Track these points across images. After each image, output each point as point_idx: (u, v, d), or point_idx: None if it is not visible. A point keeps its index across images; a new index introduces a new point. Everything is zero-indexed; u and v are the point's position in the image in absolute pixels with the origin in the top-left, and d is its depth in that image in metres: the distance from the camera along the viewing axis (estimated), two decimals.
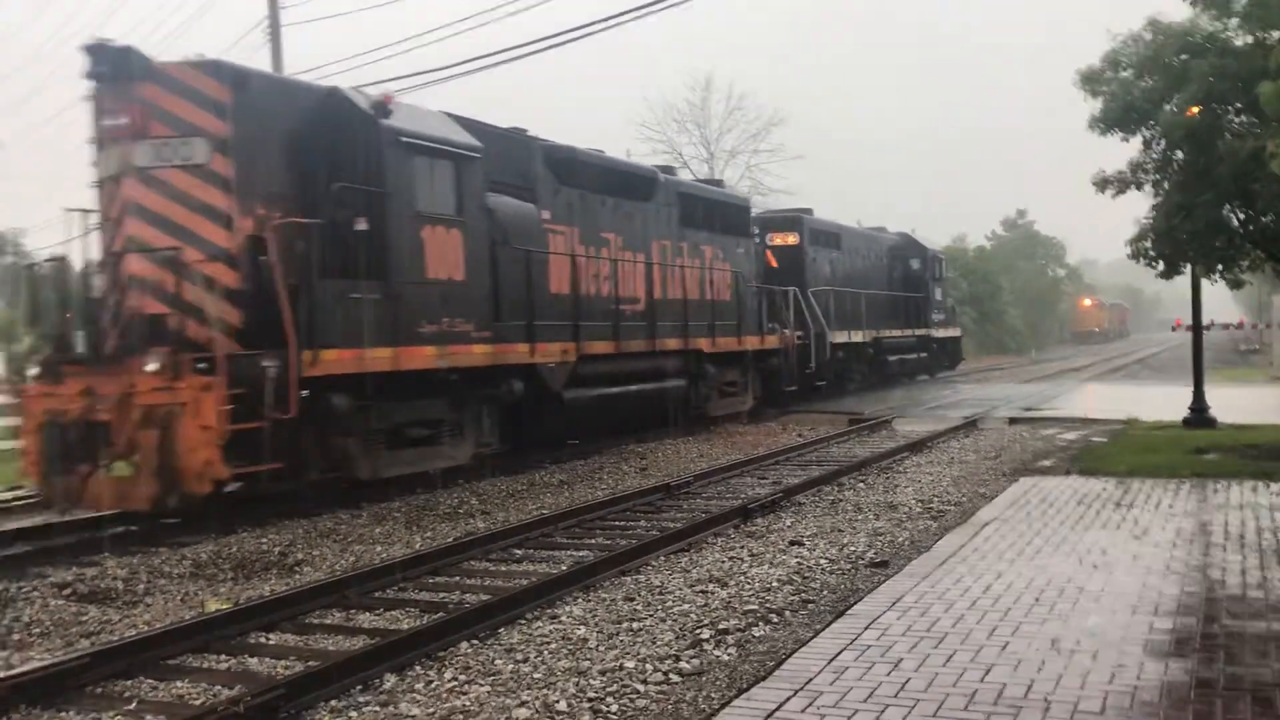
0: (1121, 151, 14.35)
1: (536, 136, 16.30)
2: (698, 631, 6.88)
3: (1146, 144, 14.03)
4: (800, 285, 25.45)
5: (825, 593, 7.79)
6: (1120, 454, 14.41)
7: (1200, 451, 14.22)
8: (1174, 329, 35.88)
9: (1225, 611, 6.68)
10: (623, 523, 11.23)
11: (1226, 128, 13.16)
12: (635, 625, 7.11)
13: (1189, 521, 9.64)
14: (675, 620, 7.19)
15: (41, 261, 12.54)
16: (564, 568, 8.80)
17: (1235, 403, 20.08)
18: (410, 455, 13.12)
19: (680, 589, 8.07)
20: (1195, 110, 12.88)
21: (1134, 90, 13.64)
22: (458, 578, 8.89)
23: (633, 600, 7.79)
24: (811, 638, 6.45)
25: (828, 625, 6.71)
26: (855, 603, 7.22)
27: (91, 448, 10.65)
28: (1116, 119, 13.82)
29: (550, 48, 24.07)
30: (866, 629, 6.53)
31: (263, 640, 7.22)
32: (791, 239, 26.45)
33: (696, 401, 20.14)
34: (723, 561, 9.01)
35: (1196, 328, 18.46)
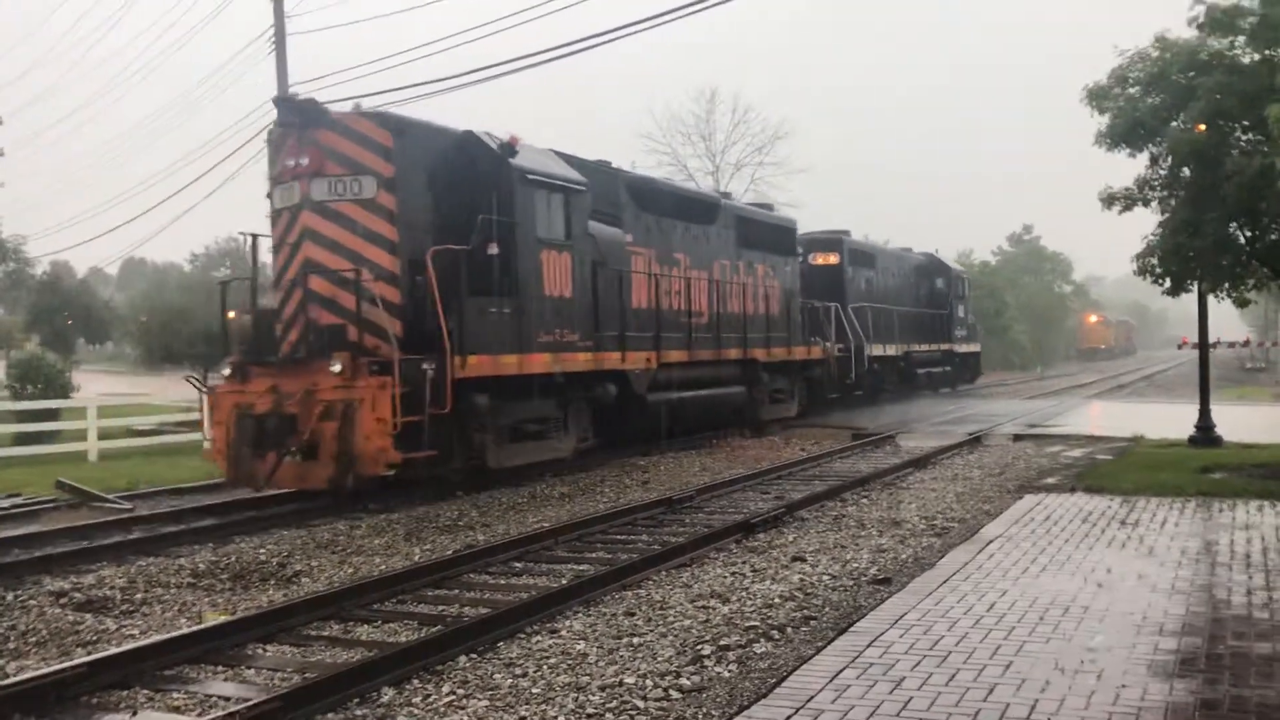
0: (1128, 168, 14.33)
1: (620, 168, 18.57)
2: (698, 647, 6.82)
3: (1153, 160, 13.98)
4: (840, 301, 27.48)
5: (828, 609, 7.73)
6: (1125, 472, 14.33)
7: (1206, 470, 14.14)
8: (1180, 346, 37.13)
9: (1230, 632, 6.61)
10: (624, 536, 11.17)
11: (1233, 145, 13.12)
12: (635, 640, 7.05)
13: (1194, 541, 9.57)
14: (676, 636, 7.13)
15: (230, 279, 14.78)
16: (564, 581, 8.75)
17: (1241, 421, 20.00)
18: (528, 448, 15.06)
19: (681, 604, 8.01)
20: (1202, 127, 12.84)
21: (1141, 107, 13.60)
22: (457, 590, 8.84)
23: (633, 615, 7.73)
24: (813, 655, 6.39)
25: (830, 642, 6.64)
26: (858, 620, 7.15)
27: (279, 436, 12.59)
28: (1123, 135, 13.78)
29: (556, 59, 24.10)
30: (869, 646, 6.46)
31: (260, 651, 7.17)
32: (833, 258, 28.37)
33: (752, 406, 22.11)
34: (724, 577, 8.95)
35: (1203, 345, 18.38)
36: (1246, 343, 43.55)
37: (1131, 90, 13.82)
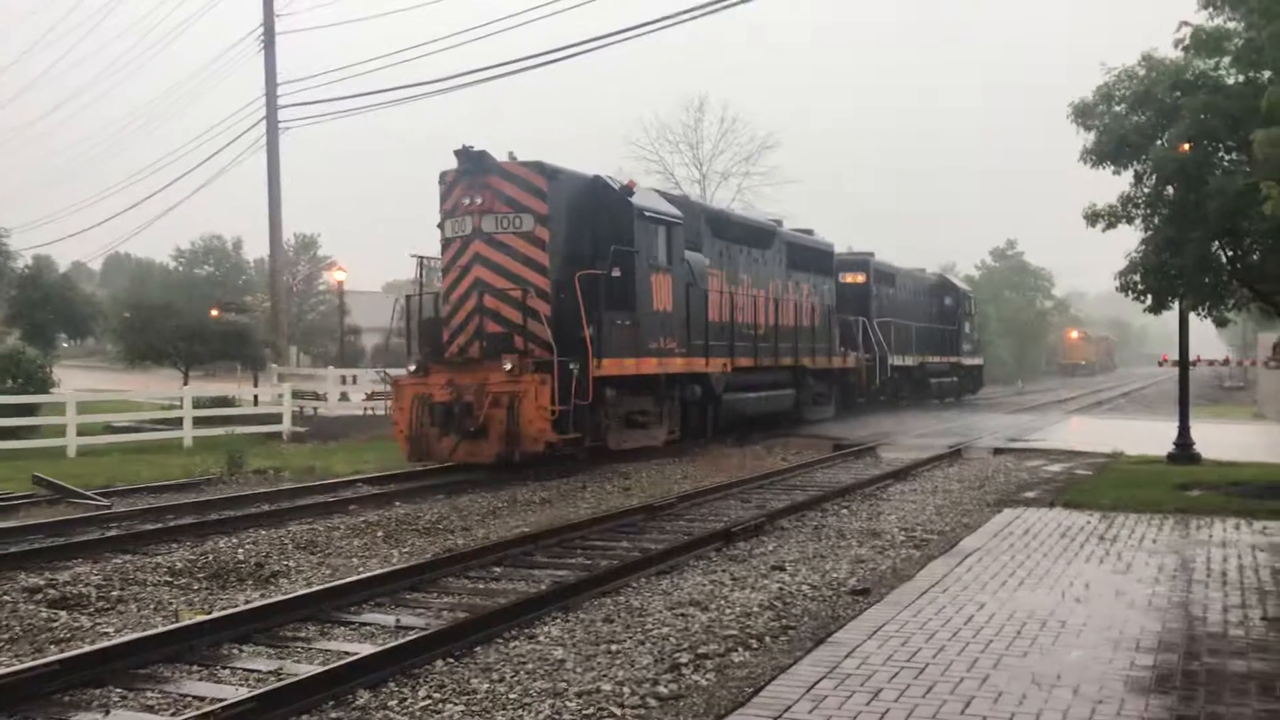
0: (1112, 185, 14.38)
1: (699, 201, 22.90)
2: (676, 656, 6.81)
3: (1137, 178, 14.04)
4: (866, 316, 30.29)
5: (806, 619, 7.73)
6: (1104, 488, 14.39)
7: (1184, 487, 14.21)
8: (1160, 364, 37.86)
9: (1206, 649, 6.64)
10: (604, 543, 11.15)
11: (1217, 165, 13.21)
12: (614, 647, 7.03)
13: (1172, 557, 9.61)
14: (654, 643, 7.12)
15: (413, 295, 18.24)
16: (543, 587, 8.73)
17: (1219, 439, 20.12)
18: (635, 435, 18.30)
19: (660, 612, 8.00)
20: (1187, 146, 12.93)
21: (1126, 125, 13.67)
22: (435, 594, 8.81)
23: (612, 622, 7.71)
24: (791, 665, 6.39)
25: (808, 652, 6.64)
26: (836, 630, 7.16)
27: (457, 420, 15.84)
28: (1108, 152, 13.85)
29: (541, 65, 24.11)
30: (847, 657, 6.47)
31: (236, 652, 7.13)
32: (860, 277, 30.99)
33: (798, 407, 25.35)
34: (704, 585, 8.95)
35: (1183, 363, 18.48)
36: (1226, 361, 43.93)
37: (1117, 108, 13.89)
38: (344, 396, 31.09)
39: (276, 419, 24.64)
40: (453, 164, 17.02)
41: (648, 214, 18.02)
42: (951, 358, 38.98)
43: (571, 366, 15.92)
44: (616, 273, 17.07)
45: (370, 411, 29.60)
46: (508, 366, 15.77)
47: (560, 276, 16.68)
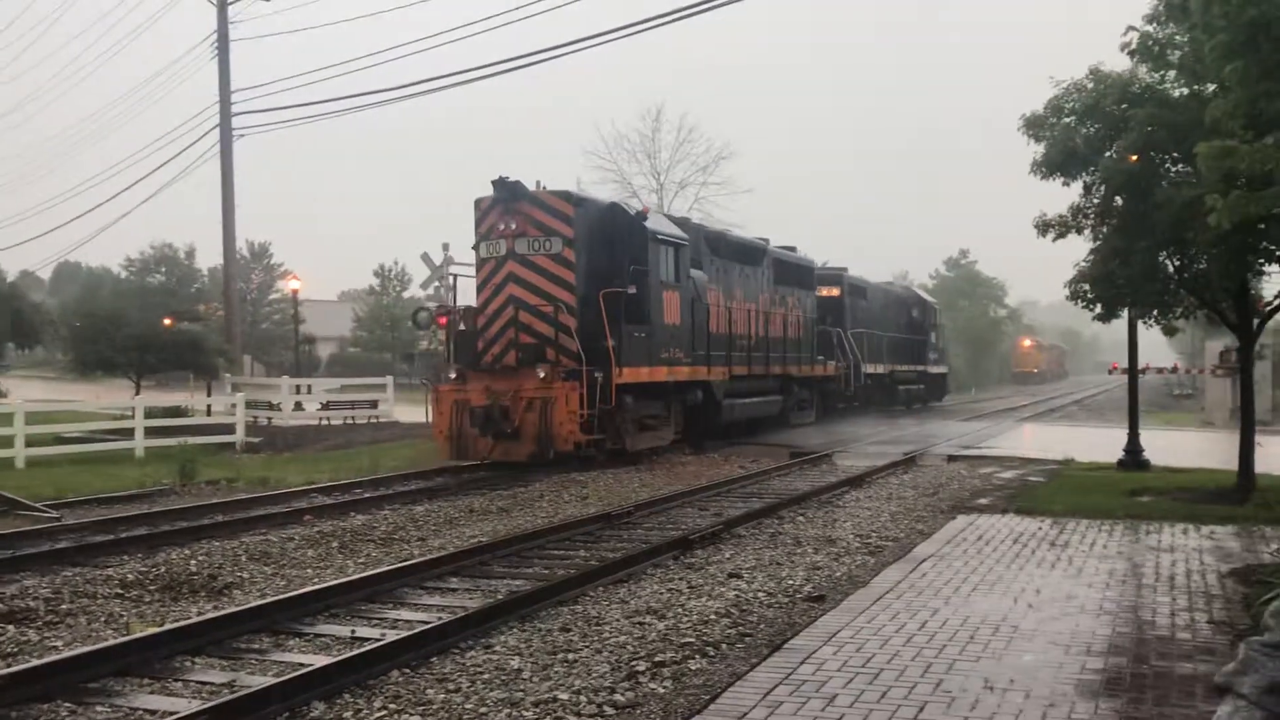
0: (1063, 195, 14.60)
1: (700, 224, 24.60)
2: (633, 664, 6.82)
3: (1087, 189, 14.25)
4: (842, 327, 31.94)
5: (762, 626, 7.77)
6: (1056, 494, 14.58)
7: (1134, 493, 14.43)
8: (1110, 371, 39.13)
9: (1155, 652, 6.75)
10: (561, 552, 11.14)
11: (1164, 176, 13.43)
12: (570, 656, 7.03)
13: (1122, 563, 9.76)
14: (611, 652, 7.13)
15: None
16: (499, 597, 8.71)
17: (1168, 446, 20.44)
18: (647, 436, 20.18)
19: (617, 620, 8.01)
20: (1134, 158, 13.14)
21: (1076, 136, 13.87)
22: (391, 605, 8.76)
23: (569, 631, 7.71)
24: (747, 671, 6.42)
25: (764, 659, 6.68)
26: (792, 637, 7.20)
27: (494, 423, 17.60)
28: (1058, 164, 14.05)
29: (503, 72, 24.04)
30: (802, 664, 6.51)
31: (189, 664, 7.05)
32: (835, 291, 32.49)
33: (784, 412, 27.24)
34: (661, 593, 8.96)
35: (1132, 371, 18.77)
36: (1175, 369, 44.64)
37: (1067, 120, 14.10)
38: (298, 406, 30.83)
39: (230, 429, 24.39)
40: (482, 191, 19.14)
41: (659, 236, 20.05)
42: (919, 366, 41.02)
43: (596, 374, 17.85)
44: (633, 290, 18.91)
45: (325, 422, 29.39)
46: (541, 374, 17.66)
47: (584, 293, 18.61)
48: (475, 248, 19.40)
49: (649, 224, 19.80)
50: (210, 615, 8.01)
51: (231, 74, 34.05)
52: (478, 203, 19.35)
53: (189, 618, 8.09)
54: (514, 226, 18.65)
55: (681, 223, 22.31)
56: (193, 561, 10.30)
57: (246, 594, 9.22)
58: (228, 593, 9.31)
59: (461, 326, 19.48)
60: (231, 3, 34.31)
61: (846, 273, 34.31)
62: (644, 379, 19.35)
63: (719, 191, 51.95)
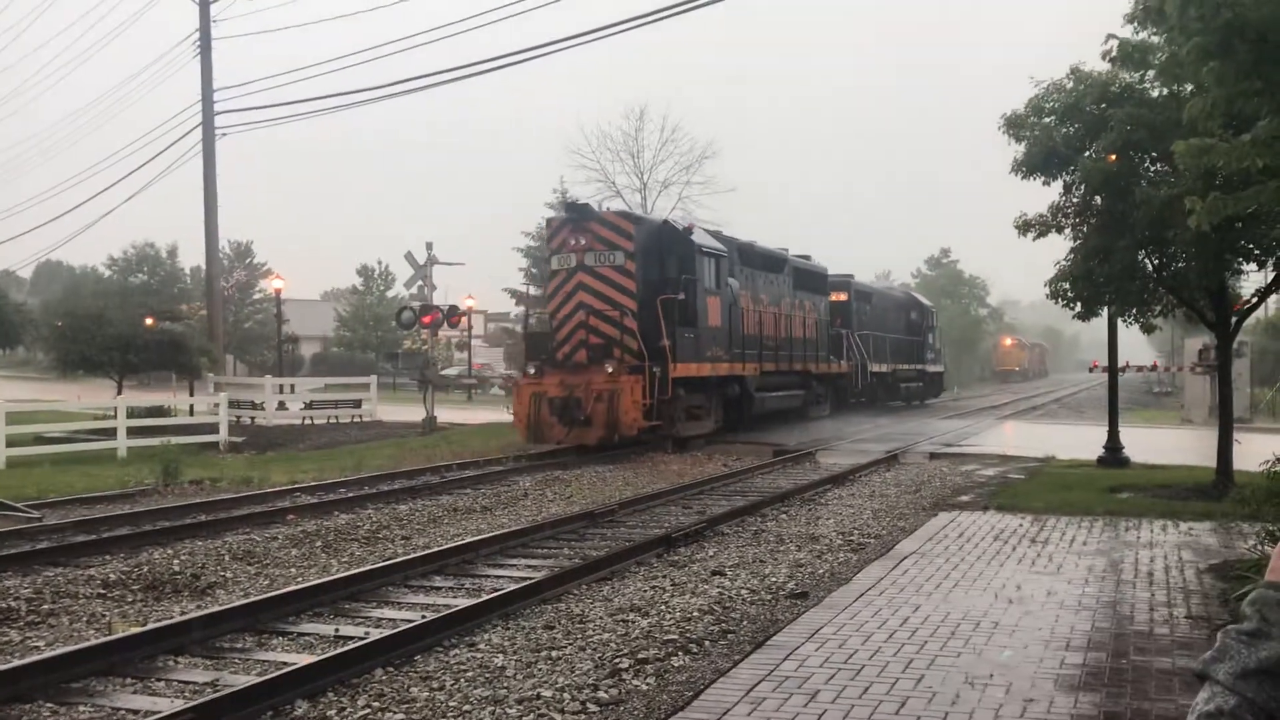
0: (1043, 195, 14.70)
1: (731, 236, 26.48)
2: (617, 661, 6.85)
3: (1067, 189, 14.35)
4: (849, 329, 34.33)
5: (745, 623, 7.81)
6: (1037, 491, 14.67)
7: (1114, 490, 14.54)
8: (1091, 370, 40.32)
9: (1133, 647, 6.82)
10: (545, 550, 11.17)
11: (1143, 175, 13.54)
12: (554, 654, 7.06)
13: (1101, 559, 9.84)
14: (595, 649, 7.16)
15: (535, 318, 24.76)
16: (483, 595, 8.73)
17: (1148, 443, 20.59)
18: (693, 425, 22.97)
19: (601, 618, 8.04)
20: (1114, 157, 13.23)
21: (1055, 136, 13.97)
22: (374, 603, 8.77)
23: (552, 629, 7.73)
24: (730, 668, 6.46)
25: (747, 656, 6.72)
26: (775, 634, 7.24)
27: (569, 412, 20.39)
28: (1038, 164, 14.15)
29: (488, 71, 24.03)
30: (785, 660, 6.55)
31: (172, 664, 7.05)
32: (844, 296, 34.65)
33: (804, 405, 29.86)
34: (644, 590, 9.00)
35: (1112, 369, 18.90)
36: (1154, 367, 44.96)
37: (1047, 120, 14.19)
38: (282, 406, 30.74)
39: (213, 429, 24.30)
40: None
41: (704, 249, 22.83)
42: (918, 365, 43.30)
43: (655, 370, 20.52)
44: (682, 296, 21.66)
45: (309, 421, 29.32)
46: (609, 369, 20.27)
47: (642, 299, 21.26)
48: (548, 260, 22.99)
49: (694, 238, 22.79)
50: (193, 614, 8.00)
51: (214, 72, 33.93)
52: (549, 221, 23.43)
53: (172, 617, 8.09)
54: (583, 242, 21.57)
55: (715, 234, 25.25)
56: (175, 561, 10.28)
57: (230, 593, 9.22)
58: (211, 592, 9.30)
59: (534, 327, 23.29)
60: (213, 1, 34.18)
61: (853, 279, 36.85)
62: (693, 374, 22.15)
63: (702, 191, 52.00)
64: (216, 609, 8.15)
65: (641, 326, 20.87)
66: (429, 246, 28.98)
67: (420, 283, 28.96)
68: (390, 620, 8.08)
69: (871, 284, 41.00)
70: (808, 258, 32.07)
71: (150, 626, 7.63)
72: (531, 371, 21.41)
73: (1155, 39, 12.63)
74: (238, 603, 8.40)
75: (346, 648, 6.93)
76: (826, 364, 31.55)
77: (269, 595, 8.57)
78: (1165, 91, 13.05)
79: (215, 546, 11.12)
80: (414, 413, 28.54)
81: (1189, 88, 11.78)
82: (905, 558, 9.93)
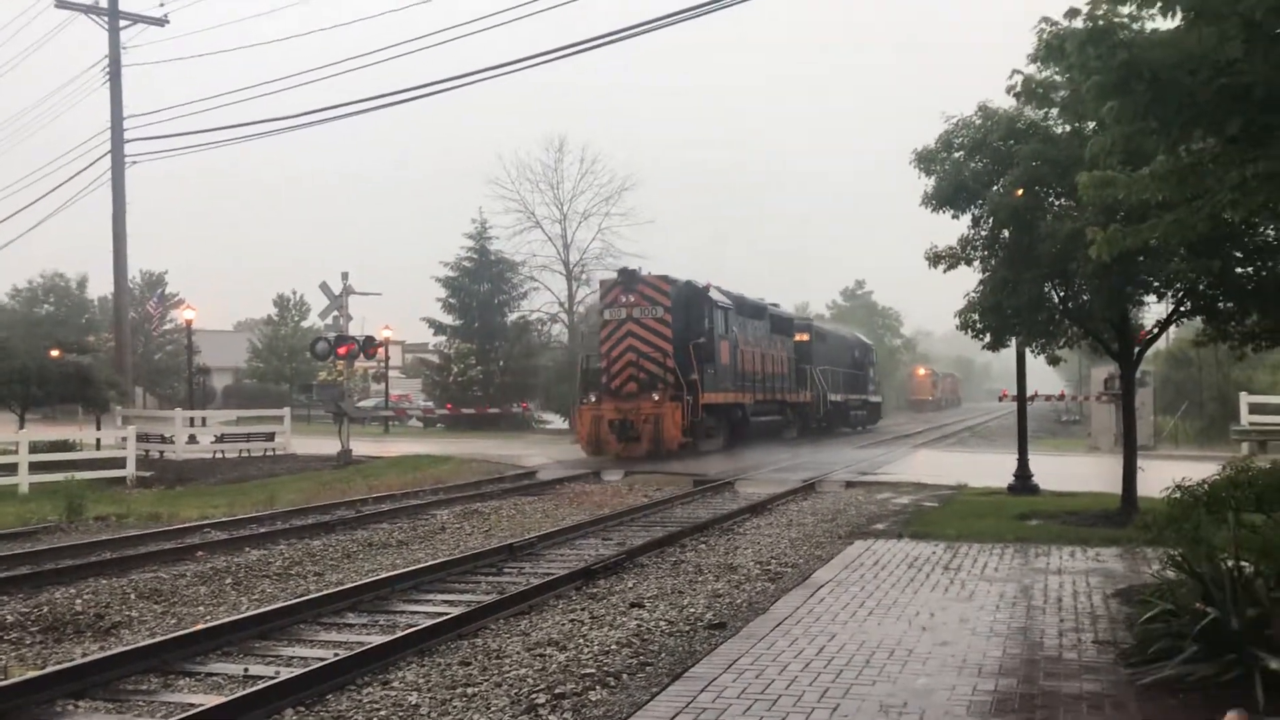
0: (953, 228, 14.98)
1: (729, 291, 32.08)
2: (533, 696, 6.79)
3: (975, 222, 14.66)
4: (811, 364, 40.01)
5: (664, 655, 7.80)
6: (949, 519, 14.89)
7: (1024, 517, 14.80)
8: (1001, 399, 41.92)
9: (1043, 672, 6.94)
10: (462, 584, 11.04)
11: (1048, 210, 13.89)
12: (470, 691, 6.97)
13: (1012, 585, 10.02)
14: (511, 685, 7.08)
15: (586, 358, 30.97)
16: (398, 632, 8.59)
17: (1057, 470, 21.01)
18: (710, 442, 29.25)
19: (518, 652, 7.96)
20: (1020, 192, 13.57)
21: (964, 171, 14.29)
22: (286, 642, 8.58)
23: (468, 665, 7.64)
24: (648, 701, 6.43)
25: (665, 688, 6.70)
26: (693, 665, 7.24)
27: (623, 431, 26.67)
28: (948, 198, 14.45)
29: (402, 102, 23.91)
30: (702, 691, 6.55)
31: (72, 708, 6.81)
32: (806, 336, 40.39)
33: (780, 429, 35.69)
34: (563, 624, 8.94)
35: (1021, 399, 19.31)
36: (1062, 396, 46.04)
37: (956, 155, 14.51)
38: (192, 439, 30.06)
39: (120, 463, 23.64)
40: (598, 275, 30.70)
41: (718, 304, 30.00)
42: (862, 395, 49.39)
43: (688, 398, 27.12)
44: (703, 340, 28.21)
45: (220, 454, 28.70)
46: (656, 398, 26.96)
47: (676, 343, 27.79)
48: (601, 313, 29.80)
49: (711, 294, 29.70)
50: (96, 656, 7.75)
51: (125, 99, 33.27)
52: (603, 282, 31.15)
53: (73, 659, 7.82)
54: (631, 299, 28.41)
55: (720, 290, 31.39)
56: (78, 601, 9.96)
57: (135, 633, 8.95)
58: (115, 632, 9.02)
59: (587, 365, 29.85)
60: (124, 27, 33.57)
61: (812, 322, 44.77)
62: (714, 401, 28.59)
63: (622, 222, 52.47)
64: (120, 650, 7.91)
65: (676, 364, 27.48)
66: (345, 276, 28.64)
67: (336, 313, 28.57)
68: (302, 659, 7.92)
69: (826, 326, 47.98)
70: (777, 305, 38.52)
71: (49, 669, 7.37)
72: (592, 399, 27.88)
73: (1058, 77, 13.02)
74: (143, 643, 8.16)
75: (255, 688, 6.77)
76: (795, 394, 37.59)
77: (175, 635, 8.35)
78: (1068, 128, 13.43)
79: (120, 585, 10.81)
80: (329, 446, 28.11)
81: (1091, 125, 12.16)
82: (822, 586, 10.00)
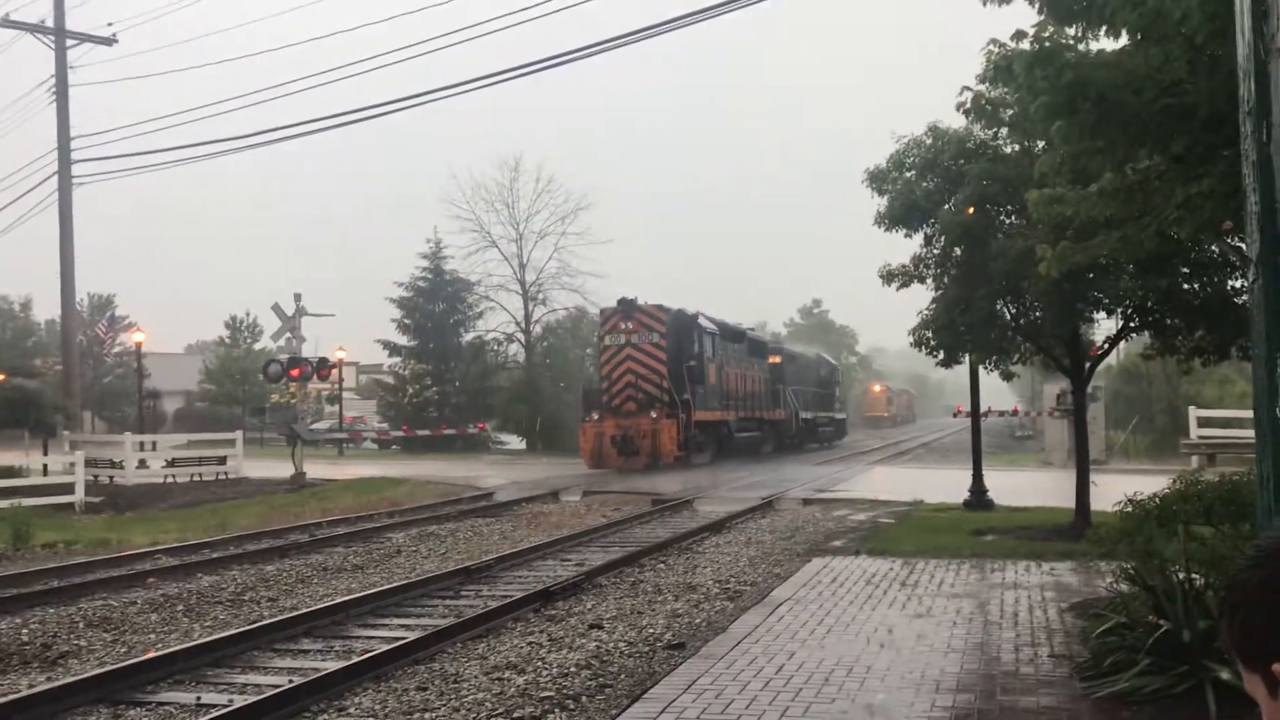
0: (906, 246, 15.13)
1: (713, 317, 35.18)
2: None
3: (928, 240, 14.82)
4: (783, 384, 42.74)
5: (623, 677, 7.76)
6: (906, 535, 14.98)
7: (979, 533, 14.92)
8: (955, 415, 43.43)
9: (1000, 687, 6.99)
10: (419, 608, 10.93)
11: (999, 228, 14.08)
12: (427, 716, 6.90)
13: (969, 601, 10.08)
14: (469, 710, 7.02)
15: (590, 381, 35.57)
16: (354, 657, 8.48)
17: (1011, 485, 21.20)
18: (700, 455, 31.87)
19: (476, 676, 7.89)
20: (971, 210, 13.74)
21: (916, 190, 14.45)
22: (239, 669, 8.45)
23: (425, 690, 7.56)
24: None
25: (624, 710, 6.67)
26: (652, 686, 7.21)
27: (624, 445, 29.63)
28: (900, 216, 14.60)
29: (348, 124, 23.83)
30: (662, 713, 6.52)
31: None
32: (778, 359, 42.99)
33: (758, 443, 38.41)
34: (521, 647, 8.88)
35: (975, 415, 19.48)
36: (1015, 412, 46.54)
37: (908, 174, 14.67)
38: (142, 464, 29.60)
39: (68, 489, 23.21)
40: (598, 304, 34.74)
41: (706, 330, 33.23)
42: (829, 413, 52.58)
43: (682, 415, 30.20)
44: (693, 362, 31.35)
45: (171, 479, 28.30)
46: (653, 415, 29.95)
47: (670, 365, 30.75)
48: (601, 338, 33.09)
49: (700, 321, 33.08)
50: (43, 687, 7.58)
51: (72, 119, 32.87)
52: (603, 310, 33.68)
53: (19, 691, 7.65)
54: (630, 326, 31.43)
55: (707, 316, 34.37)
56: (24, 630, 9.76)
57: (84, 663, 8.78)
58: (63, 662, 8.84)
59: (587, 385, 34.30)
60: (71, 46, 33.18)
61: (784, 345, 47.57)
62: (704, 419, 31.95)
63: (578, 241, 52.38)
64: (68, 680, 7.75)
65: (673, 384, 30.52)
66: (298, 298, 28.39)
67: (289, 335, 28.31)
68: (255, 686, 7.79)
69: (796, 349, 50.93)
70: (753, 329, 43.09)
71: None
72: (595, 417, 31.04)
73: (1008, 96, 13.21)
74: (91, 672, 8.00)
75: (207, 717, 6.65)
76: (772, 412, 40.76)
77: (125, 663, 8.19)
78: (1018, 147, 13.63)
79: (69, 613, 10.60)
80: (282, 469, 27.78)
81: (1041, 144, 12.35)
82: (780, 604, 10.01)
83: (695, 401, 30.84)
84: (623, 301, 32.18)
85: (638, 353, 30.98)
